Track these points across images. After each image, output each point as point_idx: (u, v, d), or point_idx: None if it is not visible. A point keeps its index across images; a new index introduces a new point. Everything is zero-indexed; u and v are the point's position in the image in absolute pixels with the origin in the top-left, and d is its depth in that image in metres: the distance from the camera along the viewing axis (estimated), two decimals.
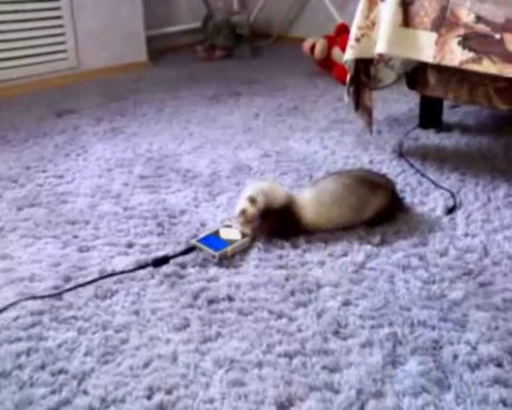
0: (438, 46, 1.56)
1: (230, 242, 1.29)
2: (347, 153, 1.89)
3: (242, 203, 1.33)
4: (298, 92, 2.69)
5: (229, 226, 1.36)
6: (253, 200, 1.32)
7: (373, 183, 1.42)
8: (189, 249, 1.29)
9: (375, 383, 0.92)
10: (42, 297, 1.15)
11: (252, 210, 1.32)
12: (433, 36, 1.57)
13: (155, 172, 1.78)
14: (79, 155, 1.95)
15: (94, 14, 3.07)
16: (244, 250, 1.30)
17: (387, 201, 1.42)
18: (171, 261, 1.26)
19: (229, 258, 1.27)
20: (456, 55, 1.54)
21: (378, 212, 1.39)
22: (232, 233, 1.33)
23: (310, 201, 1.37)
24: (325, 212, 1.37)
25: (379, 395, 0.90)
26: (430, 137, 2.01)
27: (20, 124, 2.30)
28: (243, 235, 1.32)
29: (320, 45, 2.93)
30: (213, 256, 1.26)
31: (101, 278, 1.20)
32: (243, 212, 1.32)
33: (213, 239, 1.31)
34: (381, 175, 1.56)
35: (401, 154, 1.86)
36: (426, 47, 1.59)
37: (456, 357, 0.96)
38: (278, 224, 1.35)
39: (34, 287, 1.20)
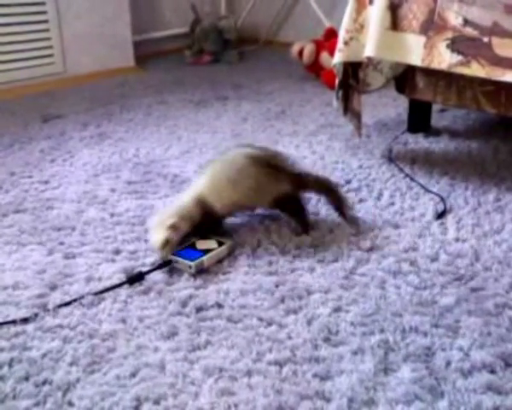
0: (426, 49, 1.56)
1: (206, 251, 1.26)
2: (336, 158, 1.88)
3: (162, 234, 1.24)
4: (285, 97, 2.68)
5: (205, 237, 1.32)
6: (174, 227, 1.25)
7: (277, 167, 1.38)
8: (165, 263, 1.24)
9: (367, 390, 0.90)
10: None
11: (176, 238, 1.25)
12: (422, 39, 1.57)
13: (143, 178, 1.76)
14: (66, 161, 1.92)
15: (80, 19, 3.04)
16: (221, 260, 1.27)
17: (290, 189, 1.38)
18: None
19: (206, 268, 1.23)
20: (445, 59, 1.54)
21: (278, 198, 1.38)
22: (208, 243, 1.29)
23: (214, 187, 1.33)
24: (230, 194, 1.33)
25: (371, 402, 0.88)
26: (419, 142, 2.01)
27: (5, 129, 2.27)
28: (220, 243, 1.29)
29: (308, 50, 2.92)
30: (190, 267, 1.21)
31: (75, 300, 1.15)
32: (168, 242, 1.23)
33: (189, 251, 1.26)
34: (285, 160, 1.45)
35: (390, 158, 1.85)
36: (414, 50, 1.59)
37: (448, 364, 0.95)
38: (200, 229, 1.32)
39: (18, 295, 1.17)
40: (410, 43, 1.59)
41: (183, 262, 1.23)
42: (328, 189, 1.46)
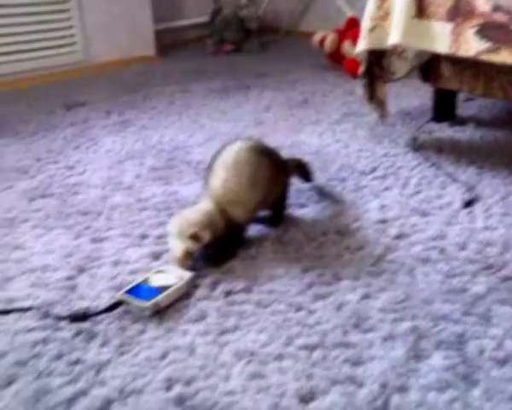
0: (453, 37, 1.54)
1: (163, 289, 1.08)
2: (361, 146, 1.86)
3: (183, 243, 1.15)
4: (308, 86, 2.66)
5: (161, 271, 1.15)
6: (196, 237, 1.15)
7: (279, 161, 1.35)
8: (115, 305, 1.06)
9: (398, 376, 0.89)
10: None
11: (196, 248, 1.16)
12: (449, 26, 1.54)
13: (167, 164, 1.76)
14: (89, 148, 1.93)
15: (103, 8, 3.06)
16: (184, 295, 1.10)
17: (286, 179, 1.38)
18: None
19: (163, 309, 1.06)
20: (473, 46, 1.51)
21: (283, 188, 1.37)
22: (165, 278, 1.12)
23: (234, 194, 1.23)
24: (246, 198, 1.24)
25: (403, 389, 0.87)
26: (444, 131, 1.98)
27: (30, 116, 2.28)
28: (180, 278, 1.12)
29: (330, 39, 2.90)
30: (145, 309, 1.04)
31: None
32: (188, 253, 1.15)
33: (143, 289, 1.09)
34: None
35: (415, 147, 1.83)
36: (440, 38, 1.56)
37: (482, 352, 0.94)
38: (223, 242, 1.22)
39: (47, 277, 1.18)
40: (436, 31, 1.57)
41: (136, 304, 1.05)
42: (299, 165, 1.51)
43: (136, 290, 1.08)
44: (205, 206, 1.21)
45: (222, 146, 1.32)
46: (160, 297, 1.06)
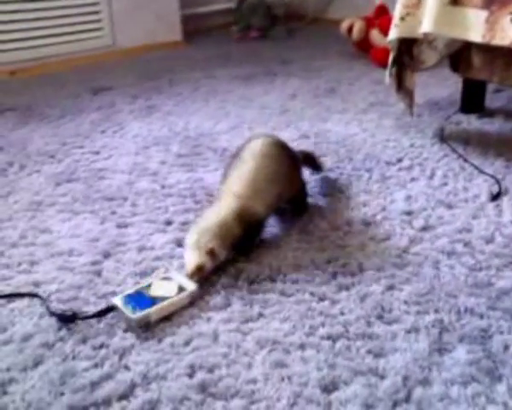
0: (488, 25, 1.51)
1: (158, 300, 1.02)
2: (387, 136, 1.84)
3: (198, 258, 1.09)
4: (335, 74, 2.64)
5: (167, 279, 1.09)
6: (213, 253, 1.10)
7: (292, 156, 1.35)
8: (107, 310, 1.02)
9: (421, 369, 0.89)
10: None
11: (210, 264, 1.10)
12: (484, 14, 1.51)
13: (192, 151, 1.76)
14: (116, 132, 1.95)
15: None
16: (182, 308, 1.03)
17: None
18: None
19: (152, 324, 0.99)
20: (509, 34, 1.48)
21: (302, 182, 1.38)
22: (166, 288, 1.05)
23: (252, 189, 1.20)
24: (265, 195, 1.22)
25: (426, 382, 0.87)
26: (472, 122, 1.95)
27: (56, 100, 2.30)
28: (181, 289, 1.05)
29: (358, 27, 2.87)
30: (131, 321, 0.98)
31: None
32: (201, 268, 1.09)
33: (139, 297, 1.02)
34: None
35: (442, 138, 1.81)
36: (474, 26, 1.53)
37: (506, 347, 0.93)
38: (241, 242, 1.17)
39: (73, 261, 1.20)
40: (470, 19, 1.54)
41: (125, 314, 0.99)
42: (306, 157, 1.50)
43: (132, 297, 1.03)
44: (222, 212, 1.16)
45: (241, 145, 1.32)
46: (150, 310, 0.99)
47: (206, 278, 1.10)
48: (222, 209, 1.17)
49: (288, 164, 1.30)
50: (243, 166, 1.23)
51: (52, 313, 1.02)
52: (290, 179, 1.31)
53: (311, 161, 1.52)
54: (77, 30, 2.93)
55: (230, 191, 1.20)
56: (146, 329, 0.98)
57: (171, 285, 1.06)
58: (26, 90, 2.48)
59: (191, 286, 1.06)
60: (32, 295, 1.08)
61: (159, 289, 1.05)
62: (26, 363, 0.92)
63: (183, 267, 1.13)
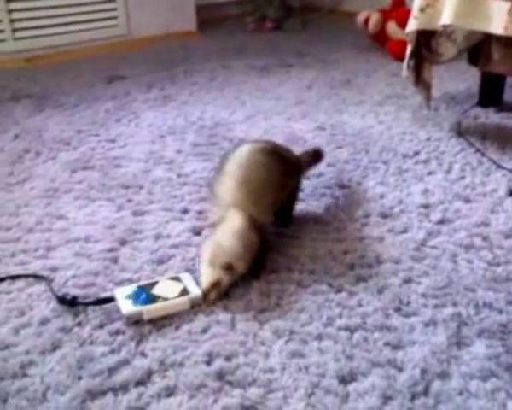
0: (510, 17, 1.48)
1: (157, 299, 1.00)
2: (404, 129, 1.83)
3: (214, 273, 1.03)
4: (350, 66, 2.62)
5: (176, 279, 1.06)
6: (230, 268, 1.03)
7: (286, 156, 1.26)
8: (106, 300, 1.02)
9: (440, 363, 0.88)
10: None
11: (228, 279, 1.04)
12: (506, 5, 1.49)
13: (208, 140, 1.76)
14: (131, 121, 1.94)
15: None
16: (181, 311, 1.00)
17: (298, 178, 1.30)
18: None
19: (144, 322, 0.97)
20: None
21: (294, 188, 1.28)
22: (169, 289, 1.03)
23: (253, 200, 1.13)
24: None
25: (444, 375, 0.86)
26: (490, 117, 1.93)
27: (72, 89, 2.31)
28: (183, 292, 1.02)
29: (374, 19, 2.85)
30: (123, 315, 0.98)
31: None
32: (216, 284, 1.03)
33: (140, 293, 1.01)
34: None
35: (460, 132, 1.79)
36: (496, 18, 1.51)
37: None
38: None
39: (89, 248, 1.20)
40: (491, 10, 1.52)
41: (120, 307, 0.99)
42: (313, 155, 1.42)
43: (134, 292, 1.02)
44: (238, 223, 1.08)
45: (227, 151, 1.27)
46: (143, 308, 0.97)
47: (225, 293, 1.04)
48: (237, 221, 1.09)
49: (277, 171, 1.19)
50: (235, 177, 1.14)
51: (54, 295, 1.03)
52: (278, 187, 1.20)
53: (318, 158, 1.43)
54: (92, 19, 2.93)
55: (230, 205, 1.12)
56: (137, 322, 0.97)
57: (175, 287, 1.04)
58: (42, 77, 2.48)
59: (195, 291, 1.02)
60: (37, 277, 1.09)
61: (162, 288, 1.03)
62: (44, 347, 0.92)
63: (199, 258, 1.10)
